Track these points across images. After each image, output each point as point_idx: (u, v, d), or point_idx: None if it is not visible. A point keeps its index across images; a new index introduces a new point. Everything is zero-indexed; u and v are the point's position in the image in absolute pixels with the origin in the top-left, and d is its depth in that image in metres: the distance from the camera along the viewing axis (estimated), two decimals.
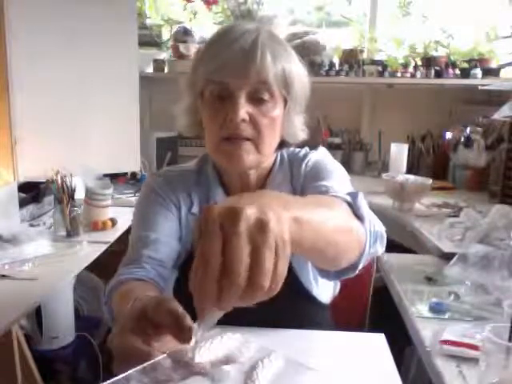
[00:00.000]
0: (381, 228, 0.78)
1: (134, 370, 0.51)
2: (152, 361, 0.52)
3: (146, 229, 0.94)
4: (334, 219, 0.66)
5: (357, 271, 0.76)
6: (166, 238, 0.94)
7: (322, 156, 1.03)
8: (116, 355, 0.54)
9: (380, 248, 0.79)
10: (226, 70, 0.85)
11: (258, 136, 0.88)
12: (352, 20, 2.91)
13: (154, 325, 0.55)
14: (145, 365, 0.52)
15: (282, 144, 0.99)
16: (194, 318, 0.56)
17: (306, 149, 1.06)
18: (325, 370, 0.63)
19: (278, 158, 1.03)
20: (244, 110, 0.85)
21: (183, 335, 0.52)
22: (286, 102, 0.92)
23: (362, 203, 0.75)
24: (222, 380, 0.55)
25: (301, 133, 0.98)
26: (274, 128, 0.90)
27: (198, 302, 0.47)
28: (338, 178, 0.96)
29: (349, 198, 0.75)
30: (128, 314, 0.58)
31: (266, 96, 0.87)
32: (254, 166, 0.94)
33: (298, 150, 1.06)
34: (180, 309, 0.55)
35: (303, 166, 1.00)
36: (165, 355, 0.54)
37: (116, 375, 0.52)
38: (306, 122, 0.99)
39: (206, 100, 0.90)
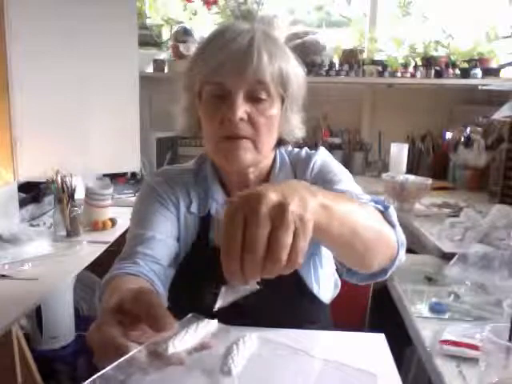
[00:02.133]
0: (404, 237, 0.82)
1: (108, 368, 0.52)
2: (127, 355, 0.53)
3: (142, 227, 0.94)
4: (363, 216, 0.70)
5: (387, 276, 0.81)
6: (162, 235, 0.94)
7: (326, 157, 1.03)
8: (96, 349, 0.55)
9: (403, 256, 0.82)
10: (223, 71, 0.86)
11: (256, 135, 0.89)
12: (352, 20, 2.91)
13: (132, 317, 0.57)
14: (120, 360, 0.53)
15: (280, 142, 0.99)
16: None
17: (306, 149, 1.06)
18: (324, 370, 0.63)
19: (278, 157, 1.03)
20: (242, 109, 0.86)
21: (158, 325, 0.55)
22: (283, 100, 0.92)
23: (393, 212, 0.80)
24: (198, 368, 0.56)
25: (298, 131, 0.99)
26: (272, 126, 0.91)
27: (226, 274, 0.53)
28: (352, 182, 0.97)
29: (381, 207, 0.79)
30: (106, 308, 0.60)
31: (264, 95, 0.88)
32: (253, 165, 0.94)
33: (297, 150, 1.06)
34: (156, 300, 0.57)
35: (309, 168, 1.00)
36: (140, 348, 0.55)
37: (99, 369, 0.53)
38: (304, 121, 0.99)
39: (203, 100, 0.90)
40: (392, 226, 0.79)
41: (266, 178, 1.01)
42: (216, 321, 0.63)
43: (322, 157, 1.02)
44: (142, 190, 1.04)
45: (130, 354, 0.53)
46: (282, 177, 1.00)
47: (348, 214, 0.65)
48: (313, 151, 1.04)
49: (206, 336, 0.60)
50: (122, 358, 0.52)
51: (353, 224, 0.66)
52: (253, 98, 0.87)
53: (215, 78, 0.87)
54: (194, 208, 1.00)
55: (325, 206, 0.59)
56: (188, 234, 1.00)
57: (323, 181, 0.96)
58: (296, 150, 1.06)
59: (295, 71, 0.92)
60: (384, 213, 0.79)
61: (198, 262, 0.98)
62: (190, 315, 0.61)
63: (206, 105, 0.90)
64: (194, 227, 1.00)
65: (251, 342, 0.62)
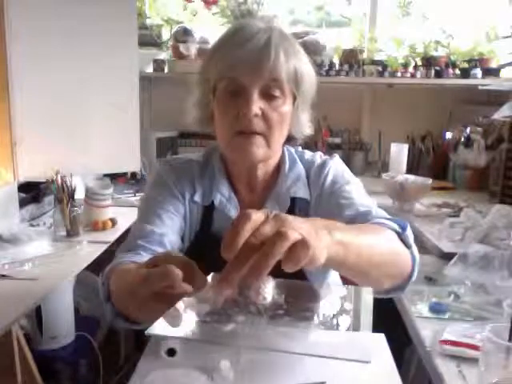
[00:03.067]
0: (418, 254, 0.85)
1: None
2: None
3: (145, 220, 0.96)
4: (379, 245, 0.74)
5: (404, 292, 0.85)
6: (164, 230, 0.94)
7: (339, 167, 1.05)
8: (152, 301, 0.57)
9: (416, 273, 0.86)
10: (240, 68, 0.88)
11: (268, 130, 0.91)
12: (352, 20, 2.91)
13: None
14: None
15: (289, 139, 1.01)
16: None
17: (321, 154, 1.07)
18: (324, 371, 0.63)
19: (287, 156, 1.04)
20: (257, 105, 0.88)
21: (196, 282, 0.57)
22: (294, 98, 0.94)
23: (410, 233, 0.84)
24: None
25: (307, 128, 1.01)
26: (284, 123, 0.93)
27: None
28: (364, 196, 1.00)
29: (397, 228, 0.82)
30: (141, 265, 0.62)
31: (277, 92, 0.90)
32: (264, 160, 0.96)
33: (311, 153, 1.07)
34: (187, 258, 0.61)
35: (322, 175, 1.02)
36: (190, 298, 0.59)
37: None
38: (311, 119, 1.01)
39: (218, 95, 0.92)
40: (408, 247, 0.82)
41: (274, 174, 1.03)
42: None
43: (336, 166, 1.04)
44: (152, 178, 1.06)
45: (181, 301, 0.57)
46: (293, 177, 1.02)
47: (364, 248, 0.68)
48: (327, 157, 1.06)
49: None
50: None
51: (368, 256, 0.69)
52: (267, 95, 0.89)
53: (232, 75, 0.89)
54: (197, 197, 1.01)
55: (340, 243, 0.62)
56: (192, 225, 1.01)
57: (333, 193, 0.99)
58: (308, 152, 1.08)
59: (308, 70, 0.95)
60: (401, 234, 0.82)
61: (199, 257, 0.99)
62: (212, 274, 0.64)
63: (220, 100, 0.92)
64: (198, 218, 1.02)
65: (270, 279, 0.67)
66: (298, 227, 0.54)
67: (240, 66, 0.87)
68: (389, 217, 0.89)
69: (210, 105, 0.96)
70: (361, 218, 0.90)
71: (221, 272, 0.58)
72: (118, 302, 0.74)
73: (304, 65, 0.94)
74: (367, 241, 0.71)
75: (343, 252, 0.62)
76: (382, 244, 0.75)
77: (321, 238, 0.57)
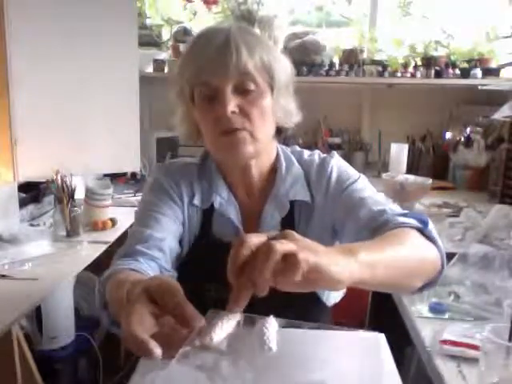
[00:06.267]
0: (443, 248, 0.84)
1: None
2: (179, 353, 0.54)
3: (142, 224, 0.95)
4: (406, 252, 0.74)
5: (436, 285, 0.84)
6: (162, 234, 0.94)
7: (341, 164, 1.03)
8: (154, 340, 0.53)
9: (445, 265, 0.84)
10: (206, 71, 0.88)
11: (250, 125, 0.90)
12: (352, 20, 2.91)
13: (158, 305, 0.56)
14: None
15: (279, 130, 1.00)
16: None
17: (319, 153, 1.06)
18: (324, 371, 0.63)
19: (282, 156, 1.03)
20: (232, 103, 0.88)
21: (186, 322, 0.54)
22: (272, 88, 0.93)
23: (432, 227, 0.82)
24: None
25: (294, 116, 0.99)
26: (265, 115, 0.92)
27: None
28: (372, 190, 0.99)
29: (419, 224, 0.81)
30: (134, 296, 0.58)
31: (252, 86, 0.89)
32: (254, 155, 0.95)
33: (308, 152, 1.06)
34: (182, 296, 0.56)
35: (326, 175, 1.00)
36: (186, 347, 0.55)
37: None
38: (299, 106, 1.00)
39: (196, 104, 0.93)
40: (433, 242, 0.81)
41: (270, 175, 1.02)
42: (238, 313, 0.64)
43: (338, 165, 1.02)
44: (149, 182, 1.05)
45: (180, 351, 0.54)
46: (291, 180, 1.00)
47: (390, 262, 0.68)
48: (326, 155, 1.04)
49: (234, 326, 0.62)
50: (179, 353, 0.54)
51: (397, 268, 0.70)
52: (242, 91, 0.89)
53: (200, 79, 0.89)
54: (196, 200, 1.00)
55: (366, 265, 0.62)
56: (191, 229, 1.01)
57: (341, 193, 0.97)
58: (307, 151, 1.06)
59: (278, 58, 0.94)
60: (423, 229, 0.81)
61: (199, 261, 0.98)
62: (210, 311, 0.61)
63: (199, 107, 0.92)
64: (197, 221, 1.01)
65: (274, 322, 0.65)
66: (296, 242, 0.55)
67: (205, 68, 0.88)
68: (405, 212, 0.87)
69: (192, 117, 0.96)
70: (376, 218, 0.88)
71: (216, 309, 0.59)
72: (113, 314, 0.74)
73: (272, 54, 0.92)
74: (393, 253, 0.70)
75: (370, 273, 0.63)
76: (408, 251, 0.75)
77: (337, 262, 0.58)
